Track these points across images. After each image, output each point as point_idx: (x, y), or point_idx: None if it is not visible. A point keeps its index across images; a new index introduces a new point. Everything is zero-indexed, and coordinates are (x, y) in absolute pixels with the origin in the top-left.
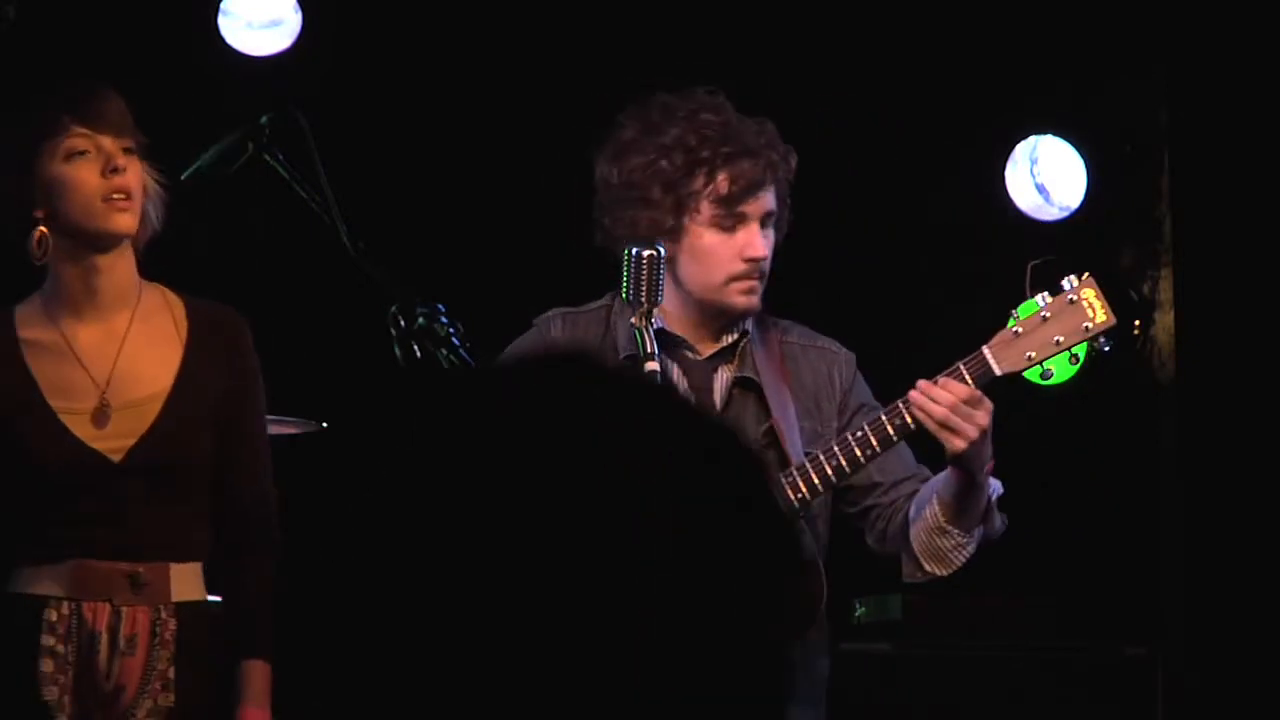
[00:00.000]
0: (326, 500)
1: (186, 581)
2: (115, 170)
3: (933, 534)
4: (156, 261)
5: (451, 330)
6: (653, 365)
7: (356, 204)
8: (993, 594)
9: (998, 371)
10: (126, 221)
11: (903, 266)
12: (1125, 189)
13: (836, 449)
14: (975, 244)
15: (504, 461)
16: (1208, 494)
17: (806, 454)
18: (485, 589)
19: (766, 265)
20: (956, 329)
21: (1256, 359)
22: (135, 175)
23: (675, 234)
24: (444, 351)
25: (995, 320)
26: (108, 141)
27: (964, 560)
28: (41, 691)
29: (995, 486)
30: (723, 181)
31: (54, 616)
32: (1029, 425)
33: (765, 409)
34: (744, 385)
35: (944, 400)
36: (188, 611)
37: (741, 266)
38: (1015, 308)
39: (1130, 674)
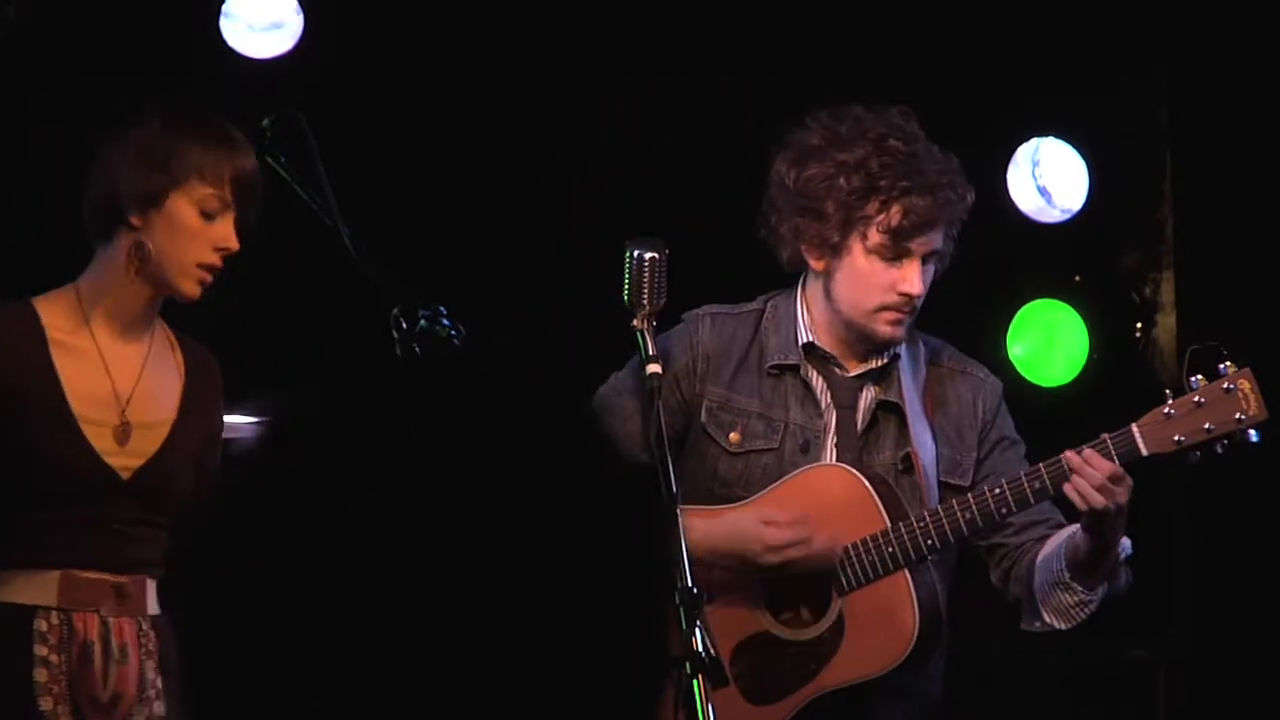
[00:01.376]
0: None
1: (154, 596)
2: (225, 251)
3: (1057, 588)
4: None
5: (453, 332)
6: (654, 367)
7: (358, 206)
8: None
9: (1144, 452)
10: (199, 292)
11: None
12: (1127, 191)
13: (973, 502)
14: (977, 246)
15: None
16: (1211, 495)
17: (943, 484)
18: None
19: (920, 301)
20: (958, 330)
21: (1257, 361)
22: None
23: (838, 251)
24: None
25: (998, 320)
26: (233, 218)
27: (1085, 617)
28: (37, 702)
29: (1125, 546)
30: (895, 214)
31: (44, 626)
32: (1030, 426)
33: (906, 434)
34: (887, 408)
35: (1088, 475)
36: (160, 624)
37: (894, 299)
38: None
39: (1133, 675)
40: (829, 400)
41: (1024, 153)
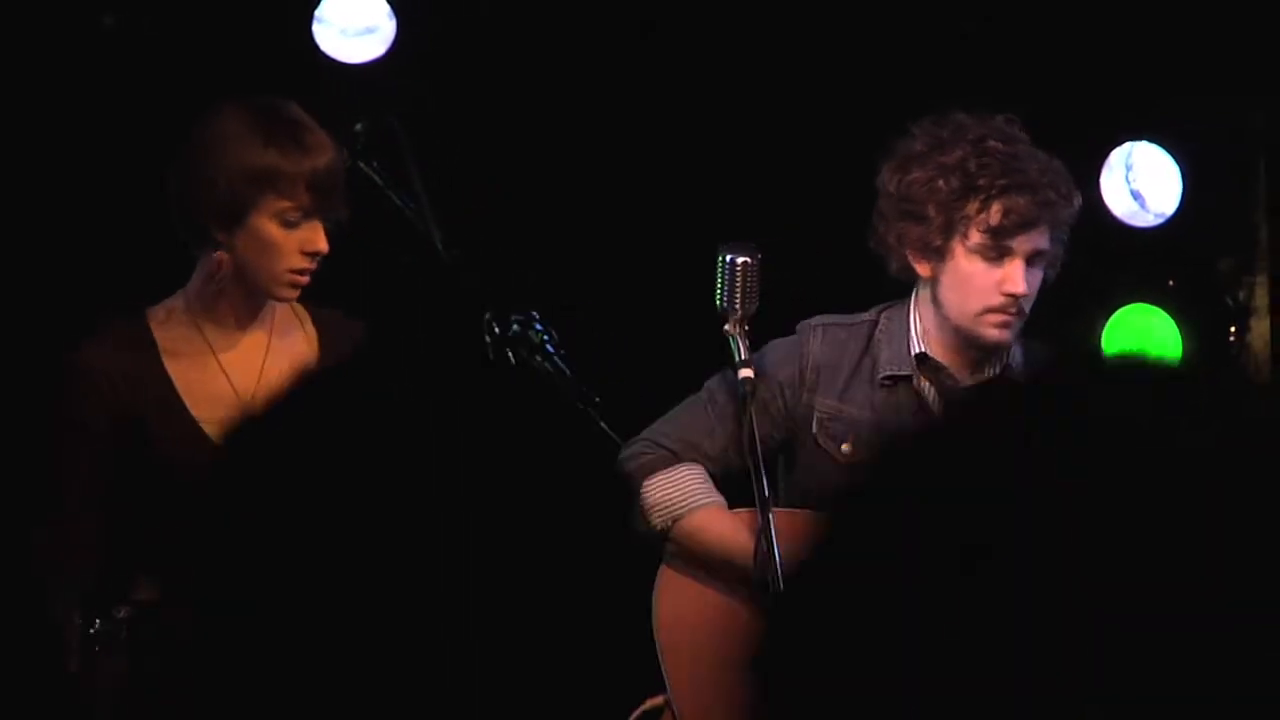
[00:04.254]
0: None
1: None
2: (313, 255)
3: None
4: None
5: (546, 337)
6: (747, 372)
7: (450, 211)
8: None
9: None
10: (295, 295)
11: None
12: (1221, 195)
13: None
14: (1070, 250)
15: None
16: None
17: None
18: None
19: (1027, 303)
20: (1051, 335)
21: None
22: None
23: (941, 255)
24: (538, 358)
25: (1091, 325)
26: (318, 223)
27: None
28: None
29: None
30: (995, 212)
31: None
32: None
33: None
34: None
35: None
36: None
37: (998, 300)
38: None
39: None
40: (941, 411)
41: (1117, 156)
